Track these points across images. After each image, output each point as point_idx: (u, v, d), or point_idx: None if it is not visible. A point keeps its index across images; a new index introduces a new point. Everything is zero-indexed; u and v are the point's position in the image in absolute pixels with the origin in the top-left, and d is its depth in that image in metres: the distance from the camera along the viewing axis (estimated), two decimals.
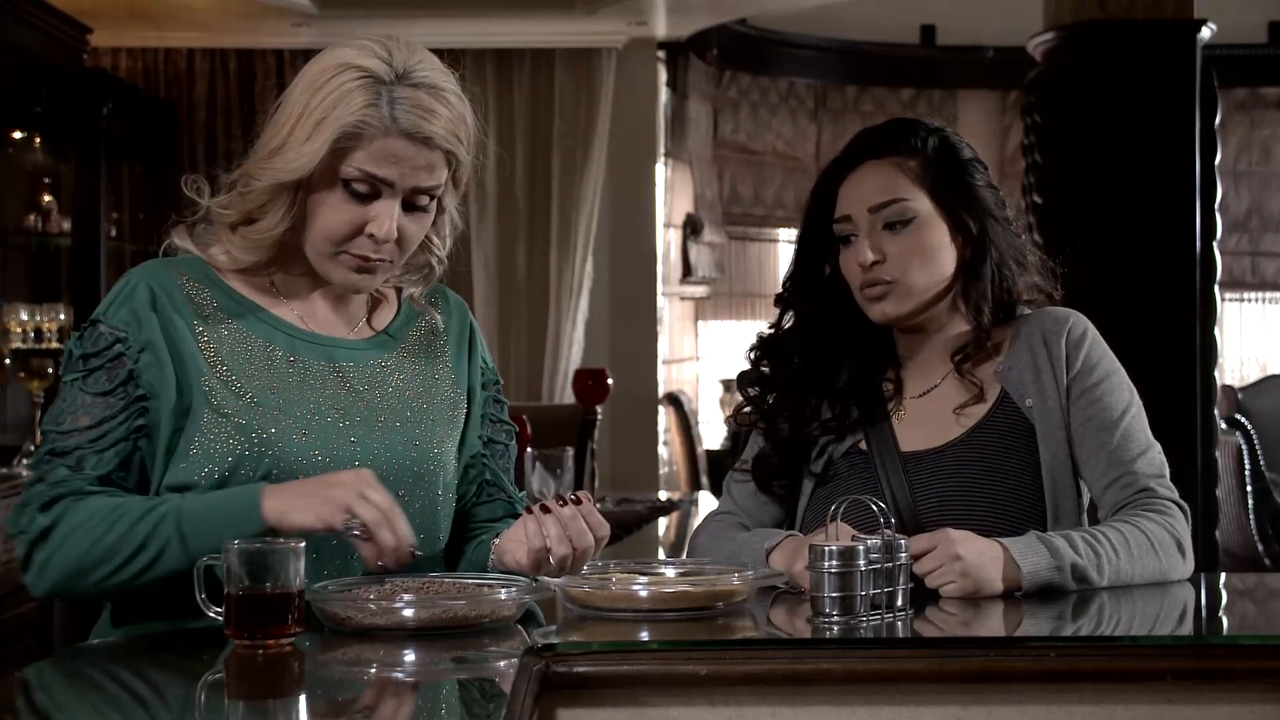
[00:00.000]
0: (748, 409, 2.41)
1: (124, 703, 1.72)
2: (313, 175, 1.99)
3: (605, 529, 1.99)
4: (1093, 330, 2.32)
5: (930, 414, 2.32)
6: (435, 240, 2.14)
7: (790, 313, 2.40)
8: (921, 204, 2.28)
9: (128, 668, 1.88)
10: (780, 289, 2.43)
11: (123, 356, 1.99)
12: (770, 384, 2.39)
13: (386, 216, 2.01)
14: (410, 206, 2.03)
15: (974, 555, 2.04)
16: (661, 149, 8.18)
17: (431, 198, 2.05)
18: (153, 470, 2.00)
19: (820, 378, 2.36)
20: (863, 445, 2.32)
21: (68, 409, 1.99)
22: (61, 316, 5.96)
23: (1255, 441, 6.76)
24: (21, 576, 1.98)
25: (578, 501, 1.98)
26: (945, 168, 2.30)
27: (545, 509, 1.96)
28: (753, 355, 2.41)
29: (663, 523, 4.94)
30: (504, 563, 2.03)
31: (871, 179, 2.29)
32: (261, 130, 2.04)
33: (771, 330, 2.42)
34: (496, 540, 2.06)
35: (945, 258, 2.29)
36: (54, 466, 1.97)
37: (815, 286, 2.37)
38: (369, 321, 2.16)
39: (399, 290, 2.20)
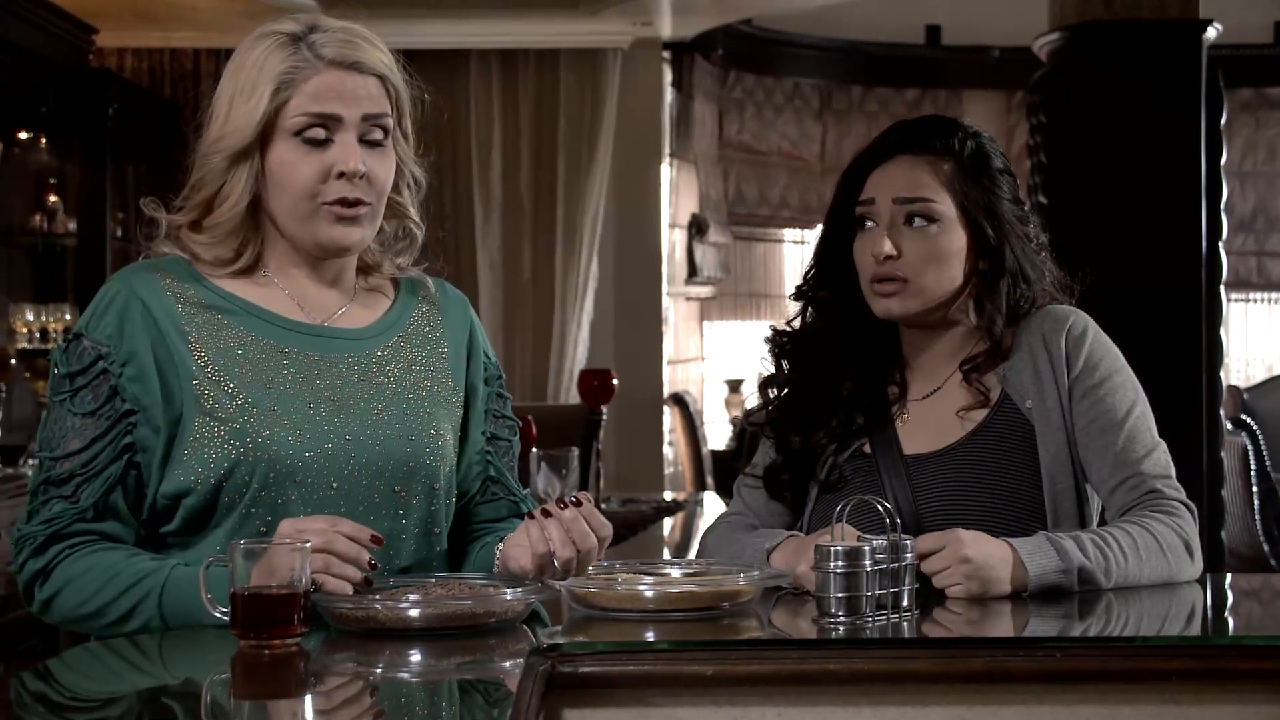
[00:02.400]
0: (762, 413, 2.40)
1: (129, 703, 1.72)
2: (264, 140, 2.00)
3: (607, 529, 1.99)
4: (1094, 328, 2.31)
5: (933, 416, 2.32)
6: (401, 200, 2.13)
7: (808, 308, 2.39)
8: (946, 207, 2.27)
9: (133, 667, 1.88)
10: (800, 282, 2.41)
11: (106, 373, 1.98)
12: (789, 390, 2.38)
13: (349, 151, 2.01)
14: (367, 144, 2.03)
15: (982, 556, 2.04)
16: (666, 149, 8.19)
17: (384, 132, 2.05)
18: (149, 481, 2.00)
19: (828, 386, 2.35)
20: (866, 449, 2.32)
21: (59, 432, 1.99)
22: (67, 317, 5.97)
23: (1261, 442, 6.75)
24: (28, 607, 2.02)
25: (578, 503, 1.97)
26: (976, 175, 2.28)
27: (546, 513, 1.96)
28: (773, 353, 2.40)
29: (668, 523, 4.94)
30: (508, 568, 2.03)
31: (903, 172, 2.29)
32: (202, 133, 2.06)
33: (787, 327, 2.41)
34: (500, 546, 2.06)
35: (959, 264, 2.28)
36: (49, 499, 1.99)
37: (836, 273, 2.36)
38: (364, 310, 2.13)
39: (396, 283, 2.19)
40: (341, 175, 2.00)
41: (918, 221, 2.27)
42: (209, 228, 2.04)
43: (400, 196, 2.12)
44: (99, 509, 1.98)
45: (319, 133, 2.00)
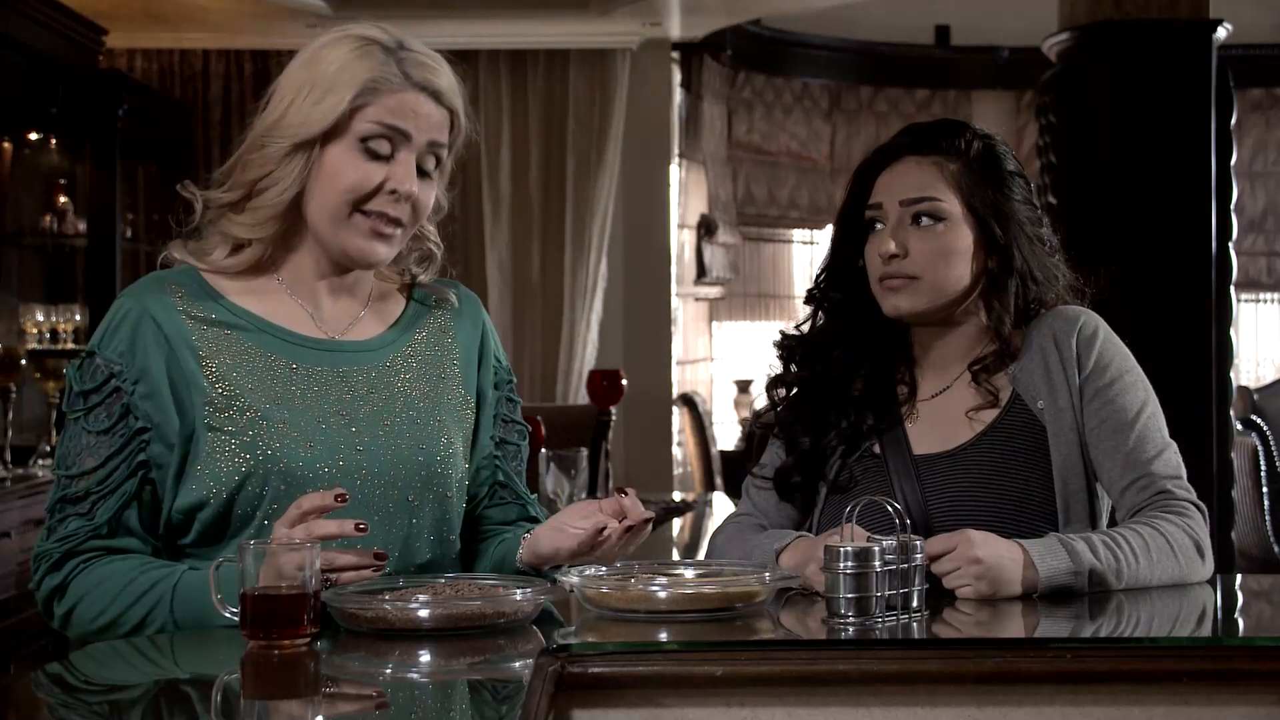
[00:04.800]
0: (770, 414, 2.41)
1: (139, 703, 1.73)
2: (327, 136, 2.00)
3: (650, 515, 2.02)
4: (1105, 328, 2.31)
5: (943, 416, 2.32)
6: (424, 225, 2.15)
7: (819, 312, 2.40)
8: (953, 206, 2.28)
9: (143, 667, 1.89)
10: (811, 285, 2.42)
11: (119, 390, 1.99)
12: (798, 391, 2.39)
13: (408, 172, 2.03)
14: (420, 171, 2.05)
15: (993, 557, 2.04)
16: (676, 150, 8.19)
17: (438, 162, 2.07)
18: (164, 496, 2.01)
19: (838, 387, 2.35)
20: (876, 449, 2.32)
21: (74, 450, 2.01)
22: (77, 318, 5.98)
23: (1271, 442, 6.75)
24: (48, 621, 2.04)
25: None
26: (984, 175, 2.29)
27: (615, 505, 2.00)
28: (781, 355, 2.41)
29: (676, 523, 4.94)
30: (538, 549, 2.04)
31: (909, 173, 2.30)
32: (255, 118, 2.06)
33: (798, 329, 2.42)
34: (532, 531, 2.07)
35: (967, 262, 2.29)
36: (66, 517, 2.00)
37: (847, 275, 2.37)
38: (375, 318, 2.15)
39: (410, 288, 2.20)
40: (393, 192, 2.02)
41: (924, 221, 2.28)
42: (252, 209, 2.05)
43: (425, 221, 2.14)
44: (114, 525, 1.99)
45: (384, 145, 2.02)
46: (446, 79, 2.06)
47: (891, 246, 2.27)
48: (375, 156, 2.02)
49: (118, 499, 1.99)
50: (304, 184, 2.03)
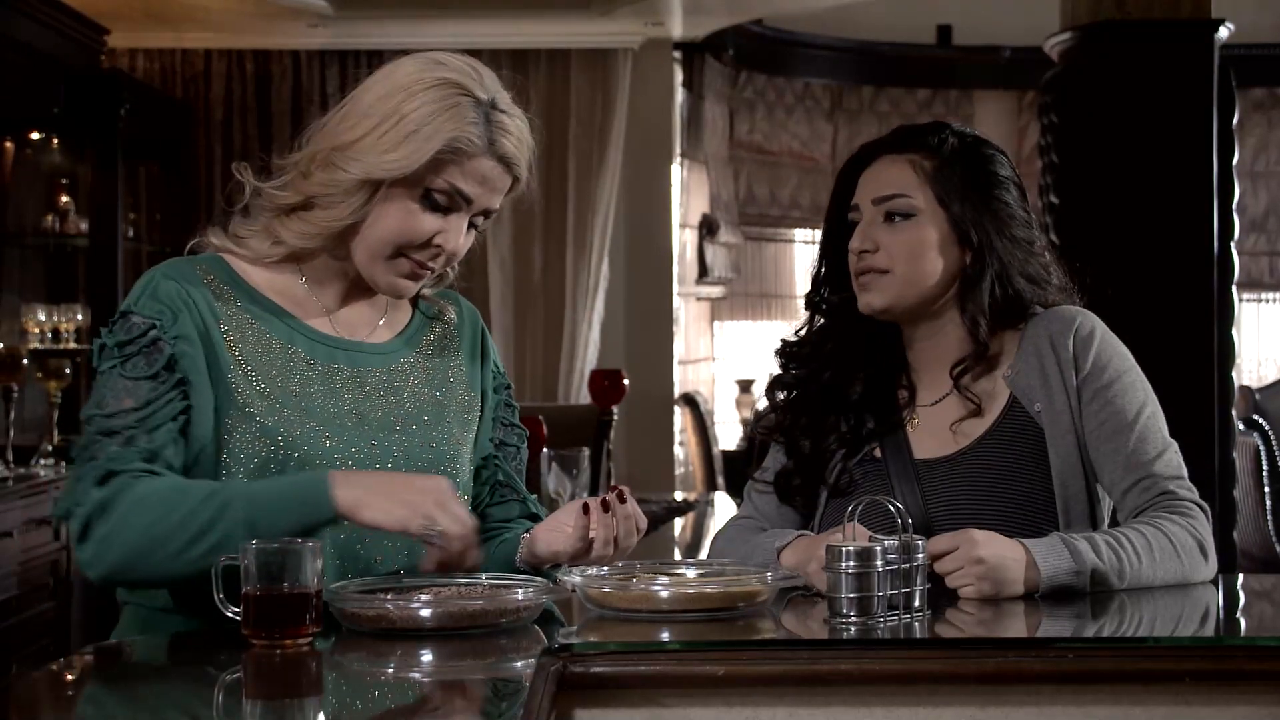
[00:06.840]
0: (772, 415, 2.40)
1: (141, 702, 1.73)
2: (395, 180, 2.01)
3: (644, 522, 2.05)
4: (1101, 328, 2.30)
5: (942, 421, 2.31)
6: None
7: (818, 316, 2.40)
8: (921, 201, 2.28)
9: (146, 667, 1.89)
10: (810, 287, 2.42)
11: (159, 341, 1.98)
12: (798, 395, 2.38)
13: (458, 232, 2.05)
14: (470, 225, 2.08)
15: (996, 557, 2.03)
16: (677, 149, 8.18)
17: (486, 218, 2.09)
18: (190, 443, 1.99)
19: (838, 391, 2.35)
20: (877, 453, 2.32)
21: (109, 394, 1.97)
22: (79, 317, 5.97)
23: (1273, 442, 6.74)
24: (78, 553, 1.94)
25: (622, 499, 2.02)
26: (962, 173, 2.28)
27: (605, 504, 2.01)
28: (783, 366, 2.41)
29: (678, 523, 4.95)
30: (535, 550, 2.06)
31: (885, 171, 2.30)
32: (325, 124, 2.06)
33: (798, 334, 2.42)
34: (531, 530, 2.09)
35: (936, 257, 2.28)
36: (103, 445, 1.95)
37: (838, 275, 2.37)
38: (385, 325, 2.17)
39: (414, 298, 2.22)
40: (438, 247, 2.04)
41: (896, 218, 2.28)
42: (304, 220, 2.06)
43: None
44: (153, 457, 1.95)
45: (444, 200, 2.03)
46: (523, 147, 2.07)
47: (860, 242, 2.28)
48: (433, 207, 2.03)
49: (161, 434, 1.96)
50: (362, 217, 2.04)
